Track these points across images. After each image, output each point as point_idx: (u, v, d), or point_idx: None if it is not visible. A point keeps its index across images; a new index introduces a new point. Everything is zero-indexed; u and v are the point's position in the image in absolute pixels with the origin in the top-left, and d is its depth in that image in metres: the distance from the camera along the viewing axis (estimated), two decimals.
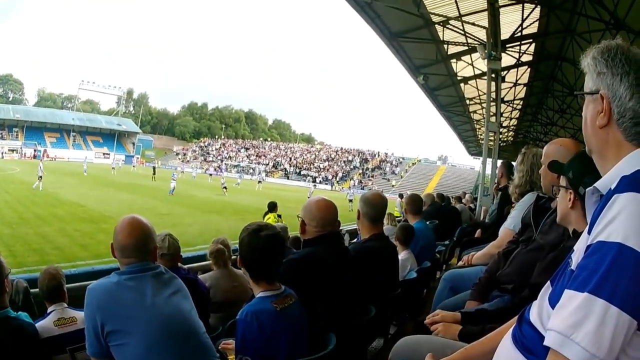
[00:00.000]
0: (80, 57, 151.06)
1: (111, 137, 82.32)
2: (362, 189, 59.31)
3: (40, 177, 26.48)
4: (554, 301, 1.07)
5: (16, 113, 74.67)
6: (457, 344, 1.76)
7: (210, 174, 55.39)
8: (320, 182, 63.25)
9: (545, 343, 1.00)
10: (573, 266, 1.06)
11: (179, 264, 3.46)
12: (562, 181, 1.86)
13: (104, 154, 76.02)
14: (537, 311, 1.19)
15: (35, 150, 67.25)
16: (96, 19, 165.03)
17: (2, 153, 62.31)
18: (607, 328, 0.91)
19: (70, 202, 21.31)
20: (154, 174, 41.19)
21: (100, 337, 1.85)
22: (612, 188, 1.04)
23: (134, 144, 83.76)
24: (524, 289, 2.15)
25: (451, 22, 13.06)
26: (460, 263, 3.99)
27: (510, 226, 3.44)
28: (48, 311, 2.83)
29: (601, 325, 0.91)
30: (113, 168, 46.41)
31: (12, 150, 66.32)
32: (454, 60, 16.45)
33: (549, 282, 1.22)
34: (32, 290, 3.50)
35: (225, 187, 33.85)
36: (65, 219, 16.96)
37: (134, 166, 63.57)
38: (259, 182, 48.66)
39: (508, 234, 3.35)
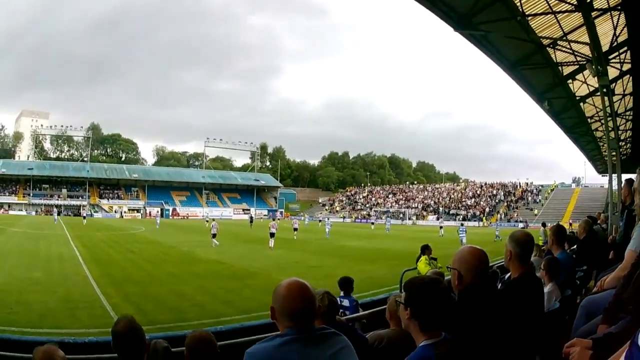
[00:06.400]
0: (200, 116, 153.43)
1: (249, 193, 78.86)
2: (509, 221, 58.10)
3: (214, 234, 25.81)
4: None
5: (133, 173, 72.45)
6: None
7: (350, 220, 53.75)
8: (469, 219, 61.78)
9: None
10: None
11: (336, 317, 3.49)
12: None
13: (243, 209, 72.31)
14: None
15: (162, 209, 62.97)
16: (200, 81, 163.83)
17: (122, 212, 60.30)
18: None
19: (209, 260, 19.79)
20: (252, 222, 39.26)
21: None
22: None
23: (275, 198, 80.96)
24: None
25: (558, 42, 12.42)
26: (594, 290, 3.81)
27: (633, 247, 3.23)
28: None
29: None
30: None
31: (133, 210, 63.61)
32: (570, 80, 15.44)
33: None
34: (173, 350, 3.07)
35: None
36: (205, 276, 15.56)
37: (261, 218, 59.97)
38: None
39: (632, 255, 3.15)
